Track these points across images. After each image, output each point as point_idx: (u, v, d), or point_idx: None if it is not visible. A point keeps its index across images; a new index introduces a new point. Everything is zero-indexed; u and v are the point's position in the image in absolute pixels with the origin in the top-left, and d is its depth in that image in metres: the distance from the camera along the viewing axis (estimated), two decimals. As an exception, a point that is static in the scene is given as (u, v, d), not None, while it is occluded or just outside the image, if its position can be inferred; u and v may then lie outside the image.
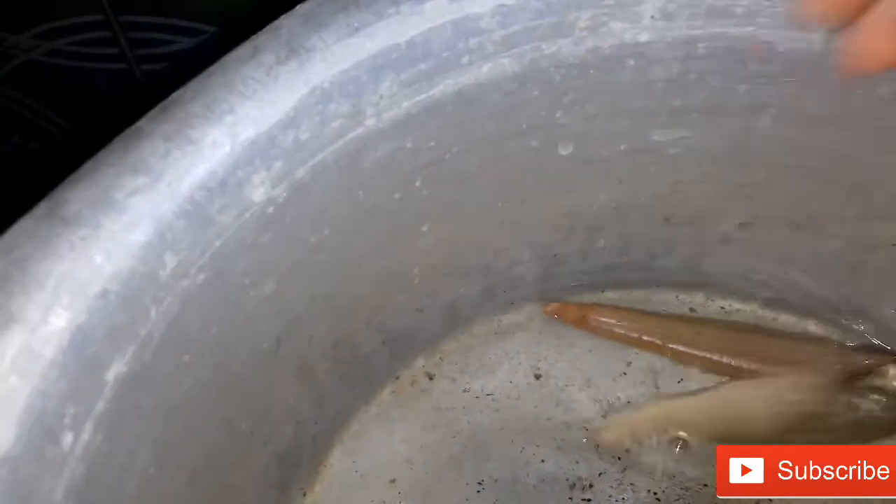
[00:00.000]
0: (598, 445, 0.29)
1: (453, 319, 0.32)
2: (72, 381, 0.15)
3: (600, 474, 0.28)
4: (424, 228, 0.27)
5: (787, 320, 0.32)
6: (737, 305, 0.32)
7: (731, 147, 0.27)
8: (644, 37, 0.23)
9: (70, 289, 0.15)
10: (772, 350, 0.31)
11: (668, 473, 0.28)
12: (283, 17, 0.21)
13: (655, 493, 0.28)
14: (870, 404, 0.30)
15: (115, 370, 0.17)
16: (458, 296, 0.31)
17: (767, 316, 0.32)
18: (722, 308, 0.32)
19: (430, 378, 0.31)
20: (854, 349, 0.30)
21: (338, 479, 0.28)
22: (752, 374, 0.30)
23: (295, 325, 0.24)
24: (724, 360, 0.31)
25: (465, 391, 0.31)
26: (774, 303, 0.32)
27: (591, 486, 0.28)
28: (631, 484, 0.28)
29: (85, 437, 0.16)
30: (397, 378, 0.31)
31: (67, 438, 0.15)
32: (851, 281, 0.30)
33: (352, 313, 0.27)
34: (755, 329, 0.32)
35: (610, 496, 0.28)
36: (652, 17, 0.22)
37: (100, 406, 0.16)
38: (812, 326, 0.31)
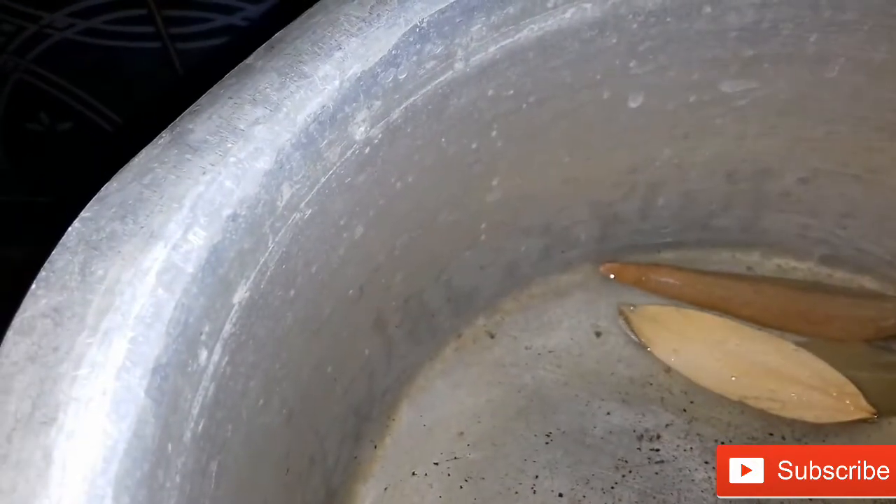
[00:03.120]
0: (629, 325, 0.31)
1: (512, 278, 0.32)
2: (208, 299, 0.15)
3: (667, 425, 0.28)
4: (495, 182, 0.27)
5: (842, 276, 0.32)
6: (793, 263, 0.32)
7: (797, 98, 0.27)
8: (723, -18, 0.23)
9: (205, 210, 0.16)
10: (829, 306, 0.31)
11: (734, 424, 0.28)
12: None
13: (723, 443, 0.28)
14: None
15: (240, 295, 0.17)
16: (518, 255, 0.31)
17: (823, 273, 0.32)
18: (778, 266, 0.33)
19: (492, 336, 0.31)
20: (911, 304, 0.31)
21: (406, 432, 0.29)
22: (810, 331, 0.31)
23: (376, 274, 0.25)
24: (783, 316, 0.31)
25: (526, 348, 0.31)
26: (830, 259, 0.32)
27: (658, 436, 0.28)
28: (698, 434, 0.28)
29: (216, 357, 0.16)
30: (459, 336, 0.31)
31: (203, 355, 0.16)
32: (909, 235, 0.30)
33: (424, 268, 0.27)
34: (812, 286, 0.32)
35: (678, 446, 0.28)
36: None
37: (227, 328, 0.16)
38: (868, 282, 0.32)
